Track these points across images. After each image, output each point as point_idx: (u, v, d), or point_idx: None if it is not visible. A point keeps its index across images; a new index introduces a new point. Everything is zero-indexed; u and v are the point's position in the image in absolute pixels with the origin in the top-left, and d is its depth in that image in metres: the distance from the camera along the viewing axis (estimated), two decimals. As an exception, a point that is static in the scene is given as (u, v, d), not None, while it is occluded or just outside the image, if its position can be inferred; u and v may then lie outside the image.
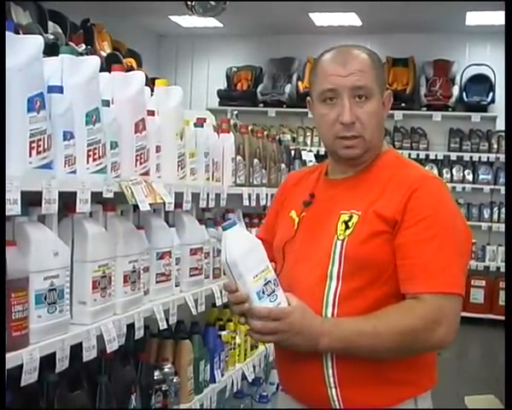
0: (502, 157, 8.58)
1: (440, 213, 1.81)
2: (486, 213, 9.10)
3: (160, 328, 2.61)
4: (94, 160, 2.13)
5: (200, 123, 3.07)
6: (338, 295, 1.82)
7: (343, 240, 1.84)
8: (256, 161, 3.74)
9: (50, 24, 5.55)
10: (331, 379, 1.84)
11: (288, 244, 1.97)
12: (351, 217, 1.85)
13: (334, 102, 1.87)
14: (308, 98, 1.99)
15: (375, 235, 1.81)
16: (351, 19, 8.99)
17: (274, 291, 1.76)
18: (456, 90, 9.13)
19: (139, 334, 2.42)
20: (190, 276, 2.87)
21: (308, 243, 1.93)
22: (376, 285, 1.81)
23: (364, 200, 1.86)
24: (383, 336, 1.76)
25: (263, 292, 1.75)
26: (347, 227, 1.85)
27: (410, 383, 1.86)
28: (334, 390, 1.84)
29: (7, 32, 1.81)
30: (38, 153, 1.85)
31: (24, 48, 1.85)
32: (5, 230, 1.77)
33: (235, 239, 1.78)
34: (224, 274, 3.08)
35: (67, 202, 2.04)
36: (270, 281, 1.77)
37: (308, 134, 9.59)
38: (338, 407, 1.84)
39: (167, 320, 2.62)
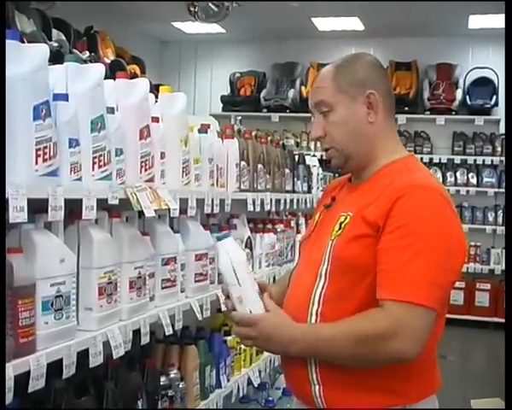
0: (506, 160, 8.58)
1: (421, 222, 1.77)
2: (491, 217, 9.09)
3: (166, 334, 2.62)
4: (99, 167, 2.14)
5: (204, 129, 3.07)
6: (323, 294, 1.86)
7: (333, 240, 1.88)
8: (260, 166, 3.75)
9: (54, 31, 5.57)
10: (314, 376, 1.87)
11: (304, 243, 2.08)
12: (345, 218, 1.89)
13: None
14: None
15: (358, 237, 1.83)
16: (353, 23, 9.00)
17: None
18: (459, 94, 9.13)
19: (145, 340, 2.42)
20: (195, 281, 2.87)
21: (314, 244, 1.99)
22: (360, 288, 1.82)
23: (359, 203, 1.89)
24: (340, 343, 1.78)
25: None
26: (340, 228, 1.88)
27: (394, 392, 1.84)
28: (317, 388, 1.86)
29: (13, 41, 1.83)
30: (44, 160, 1.86)
31: (29, 56, 1.86)
32: (5, 236, 1.78)
33: (235, 247, 1.93)
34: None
35: (73, 208, 2.05)
36: None
37: (312, 139, 9.59)
38: (321, 407, 1.87)
39: (173, 326, 2.63)
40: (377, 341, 1.74)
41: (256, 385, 3.70)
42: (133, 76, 5.05)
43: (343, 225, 1.87)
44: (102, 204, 2.18)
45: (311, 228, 2.07)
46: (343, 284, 1.84)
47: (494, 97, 9.01)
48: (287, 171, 4.36)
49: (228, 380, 3.27)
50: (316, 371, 1.86)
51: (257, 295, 1.88)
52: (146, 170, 2.44)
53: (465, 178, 9.19)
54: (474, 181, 9.15)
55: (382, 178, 1.92)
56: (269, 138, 4.13)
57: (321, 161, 5.63)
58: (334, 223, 1.91)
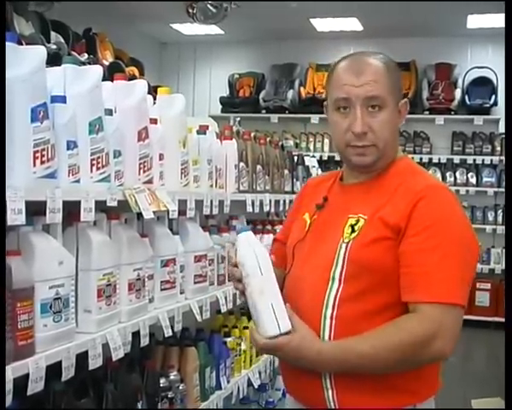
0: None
1: (445, 223, 1.80)
2: (491, 216, 9.08)
3: (166, 335, 2.62)
4: (97, 169, 2.14)
5: (202, 130, 3.07)
6: (338, 297, 1.84)
7: (348, 243, 1.85)
8: (259, 167, 3.74)
9: (53, 34, 5.57)
10: (327, 380, 1.85)
11: (299, 245, 2.01)
12: (357, 221, 1.87)
13: (348, 110, 1.89)
14: (325, 103, 2.01)
15: (378, 240, 1.82)
16: (352, 24, 8.99)
17: None
18: (458, 94, 9.13)
19: (144, 342, 2.42)
20: (195, 283, 2.87)
21: (316, 245, 1.95)
22: (377, 291, 1.81)
23: (372, 205, 1.87)
24: (381, 355, 1.75)
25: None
26: (353, 231, 1.86)
27: (407, 391, 1.85)
28: (330, 392, 1.85)
29: (10, 43, 1.83)
30: (42, 163, 1.86)
31: (27, 58, 1.86)
32: (5, 239, 1.78)
33: (257, 240, 1.89)
34: (229, 280, 3.13)
35: (72, 210, 2.05)
36: None
37: (311, 140, 9.59)
38: (333, 407, 1.85)
39: (172, 328, 2.62)
40: (420, 347, 1.74)
41: (256, 386, 3.70)
42: (132, 78, 5.05)
43: (357, 228, 1.85)
44: (101, 206, 2.18)
45: (304, 229, 2.01)
46: (359, 287, 1.82)
47: (493, 97, 9.00)
48: (286, 172, 4.36)
49: (228, 381, 3.27)
50: (329, 377, 1.84)
51: (278, 288, 1.83)
52: (144, 171, 2.44)
53: (464, 177, 9.18)
54: (473, 181, 9.15)
55: (389, 178, 1.92)
56: (268, 139, 4.13)
57: (320, 161, 5.63)
58: (341, 225, 1.88)
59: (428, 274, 1.76)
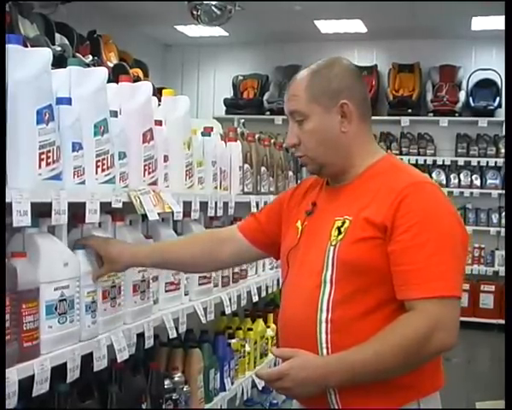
0: (509, 161, 8.55)
1: (432, 217, 1.81)
2: (495, 218, 9.07)
3: (170, 337, 2.62)
4: (102, 170, 2.14)
5: (207, 132, 3.07)
6: (331, 300, 1.85)
7: (335, 245, 1.86)
8: (263, 169, 3.75)
9: (57, 36, 5.58)
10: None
11: (292, 252, 2.02)
12: (343, 222, 1.88)
13: None
14: None
15: (364, 240, 1.83)
16: (356, 26, 8.99)
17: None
18: (462, 96, 9.12)
19: (149, 343, 2.42)
20: (199, 284, 2.87)
21: (307, 251, 1.96)
22: (369, 290, 1.82)
23: (356, 206, 1.88)
24: (386, 358, 1.76)
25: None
26: (340, 233, 1.87)
27: (410, 387, 1.85)
28: (333, 396, 1.85)
29: (15, 46, 1.83)
30: (48, 164, 1.86)
31: (33, 61, 1.87)
32: (5, 240, 1.78)
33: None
34: (234, 282, 3.14)
35: (77, 212, 2.05)
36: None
37: (315, 141, 9.57)
38: (337, 407, 1.86)
39: (177, 329, 2.63)
40: (422, 343, 1.75)
41: (260, 388, 3.69)
42: (136, 79, 5.05)
43: (343, 230, 1.86)
44: (106, 208, 2.18)
45: (297, 236, 2.02)
46: (351, 288, 1.83)
47: (497, 99, 9.00)
48: (290, 173, 4.36)
49: (232, 383, 3.27)
50: None
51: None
52: (149, 173, 2.44)
53: (469, 179, 9.17)
54: (477, 183, 9.14)
55: (371, 179, 1.93)
56: (272, 141, 4.13)
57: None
58: (328, 228, 1.89)
59: (421, 270, 1.77)
